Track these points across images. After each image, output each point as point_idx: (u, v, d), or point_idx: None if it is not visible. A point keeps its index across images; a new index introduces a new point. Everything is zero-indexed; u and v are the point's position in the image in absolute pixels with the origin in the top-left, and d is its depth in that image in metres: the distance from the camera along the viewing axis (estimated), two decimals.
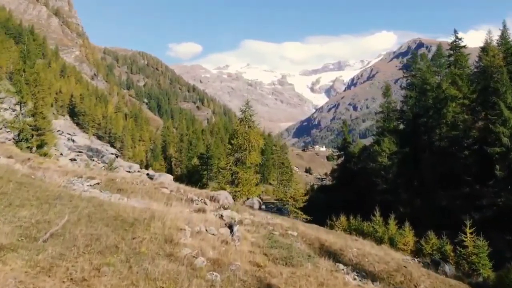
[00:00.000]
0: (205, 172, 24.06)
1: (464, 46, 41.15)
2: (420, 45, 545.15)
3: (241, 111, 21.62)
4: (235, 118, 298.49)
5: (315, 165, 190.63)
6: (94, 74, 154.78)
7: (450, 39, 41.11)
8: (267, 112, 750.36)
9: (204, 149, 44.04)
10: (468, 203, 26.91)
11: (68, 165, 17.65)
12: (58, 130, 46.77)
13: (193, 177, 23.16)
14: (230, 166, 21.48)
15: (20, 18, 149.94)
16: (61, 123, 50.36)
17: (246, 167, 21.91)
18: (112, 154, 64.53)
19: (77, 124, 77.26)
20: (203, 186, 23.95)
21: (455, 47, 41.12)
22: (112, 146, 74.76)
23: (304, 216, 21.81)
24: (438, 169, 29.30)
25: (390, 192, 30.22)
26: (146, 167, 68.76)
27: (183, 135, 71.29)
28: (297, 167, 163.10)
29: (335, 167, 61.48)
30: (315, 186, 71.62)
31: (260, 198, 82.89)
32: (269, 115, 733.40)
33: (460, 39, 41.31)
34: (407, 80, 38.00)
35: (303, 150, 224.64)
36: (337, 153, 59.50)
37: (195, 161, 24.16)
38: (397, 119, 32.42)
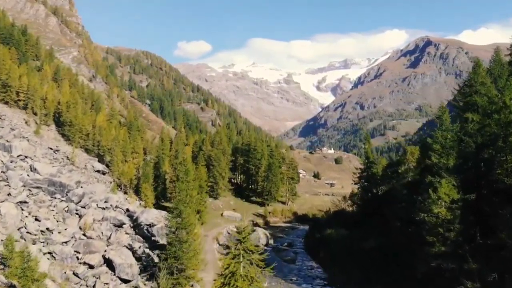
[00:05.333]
0: None
1: None
2: (428, 43, 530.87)
3: (237, 229, 9.46)
4: (241, 119, 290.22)
5: (323, 168, 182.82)
6: (93, 76, 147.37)
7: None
8: (272, 111, 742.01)
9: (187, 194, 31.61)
10: None
11: None
12: (19, 155, 38.55)
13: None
14: None
15: (16, 17, 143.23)
16: (25, 146, 41.97)
17: None
18: (102, 171, 56.60)
19: (63, 135, 69.43)
20: None
21: None
22: (101, 160, 66.82)
23: None
24: None
25: (451, 257, 21.77)
26: (136, 188, 60.60)
27: (178, 151, 63.12)
28: (304, 170, 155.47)
29: (356, 190, 53.17)
30: (331, 210, 62.78)
31: (267, 221, 74.36)
32: (274, 114, 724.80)
33: None
34: (465, 98, 29.31)
35: (311, 152, 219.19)
36: (359, 174, 50.90)
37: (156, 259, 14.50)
38: (456, 153, 23.83)
